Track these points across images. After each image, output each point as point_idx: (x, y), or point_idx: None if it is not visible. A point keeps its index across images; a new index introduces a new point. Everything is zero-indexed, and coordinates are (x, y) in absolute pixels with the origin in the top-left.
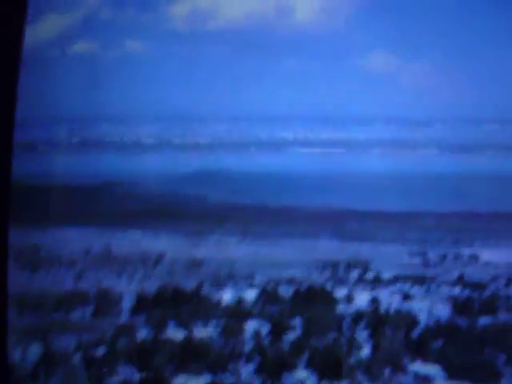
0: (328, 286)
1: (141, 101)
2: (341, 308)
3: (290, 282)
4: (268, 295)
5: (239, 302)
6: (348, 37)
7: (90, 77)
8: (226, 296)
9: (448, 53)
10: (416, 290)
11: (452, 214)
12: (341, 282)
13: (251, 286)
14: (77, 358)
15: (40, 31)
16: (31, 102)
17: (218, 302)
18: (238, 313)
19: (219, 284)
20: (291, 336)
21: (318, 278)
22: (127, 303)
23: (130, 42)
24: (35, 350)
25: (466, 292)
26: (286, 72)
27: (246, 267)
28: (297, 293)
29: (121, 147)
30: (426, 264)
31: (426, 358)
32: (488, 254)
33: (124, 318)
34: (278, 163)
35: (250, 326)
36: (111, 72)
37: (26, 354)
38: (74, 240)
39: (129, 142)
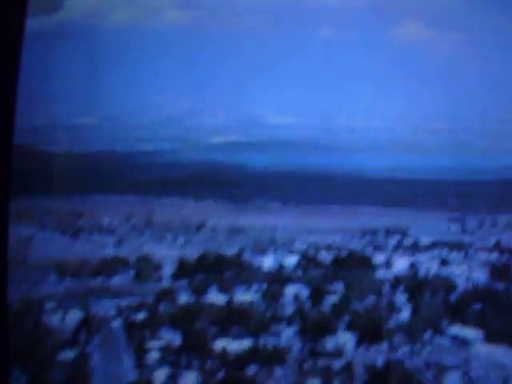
0: (367, 252)
1: (176, 71)
2: (380, 273)
3: (330, 248)
4: (308, 261)
5: (280, 267)
6: (381, 8)
7: (124, 49)
8: (267, 261)
9: (481, 25)
10: (454, 256)
11: (489, 182)
12: (380, 247)
13: (292, 251)
14: (118, 323)
15: (75, 3)
16: (62, 74)
17: (260, 268)
18: (279, 278)
19: (260, 250)
20: (332, 300)
21: (358, 244)
22: (169, 269)
23: (167, 13)
24: (75, 316)
25: (504, 257)
26: (318, 43)
27: (286, 234)
28: (337, 258)
29: (159, 117)
30: (463, 230)
31: (464, 322)
32: None
33: (165, 283)
34: (319, 132)
35: (291, 290)
36: (146, 43)
37: (65, 319)
38: (114, 207)
39: (166, 111)
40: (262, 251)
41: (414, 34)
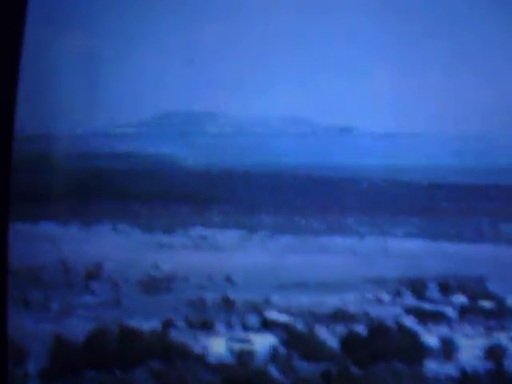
0: (407, 325)
1: None
2: (433, 366)
3: (336, 318)
4: (296, 341)
5: (241, 357)
6: None
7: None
8: (216, 346)
9: None
10: None
11: None
12: (431, 317)
13: (262, 326)
14: None
15: None
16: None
17: (202, 358)
18: (240, 380)
19: (202, 322)
20: None
21: (388, 311)
22: (35, 361)
23: None
24: None
25: None
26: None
27: (250, 289)
28: (349, 340)
29: None
30: None
31: None
32: None
33: None
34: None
35: None
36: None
37: None
38: None
39: None
40: (206, 325)
41: None
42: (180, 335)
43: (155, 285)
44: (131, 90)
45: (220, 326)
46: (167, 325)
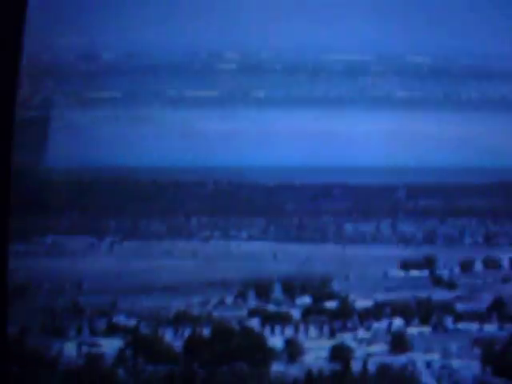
0: (253, 326)
1: None
2: (278, 369)
3: (183, 319)
4: (141, 345)
5: (90, 358)
6: None
7: None
8: (68, 349)
9: None
10: (415, 332)
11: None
12: (277, 318)
13: (110, 328)
14: None
15: None
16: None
17: (55, 361)
18: (90, 380)
19: (55, 328)
20: None
21: (234, 311)
22: None
23: None
24: None
25: (506, 332)
26: None
27: (101, 292)
28: (195, 340)
29: None
30: (435, 279)
31: None
32: None
33: None
34: None
35: None
36: None
37: None
38: None
39: None
40: (58, 331)
41: None
42: (35, 342)
43: (11, 293)
44: None
45: (71, 331)
46: (24, 332)
